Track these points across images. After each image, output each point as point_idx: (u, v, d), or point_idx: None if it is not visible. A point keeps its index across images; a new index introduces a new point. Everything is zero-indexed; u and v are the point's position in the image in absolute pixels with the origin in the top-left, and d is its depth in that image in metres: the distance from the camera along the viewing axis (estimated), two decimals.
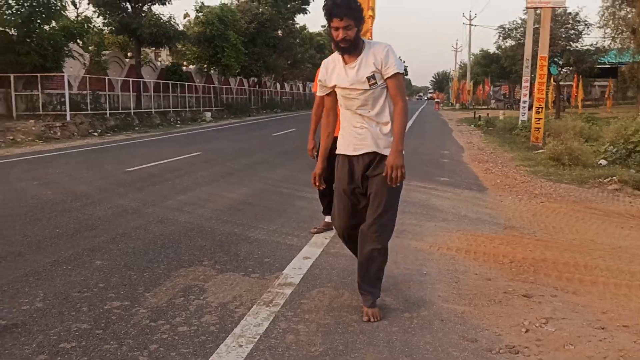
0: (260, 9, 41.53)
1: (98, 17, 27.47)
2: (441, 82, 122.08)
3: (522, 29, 28.75)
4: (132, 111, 25.70)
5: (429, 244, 5.24)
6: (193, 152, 13.75)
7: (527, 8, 18.09)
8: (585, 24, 29.05)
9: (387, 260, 3.54)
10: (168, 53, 38.92)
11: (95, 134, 20.31)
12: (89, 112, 22.21)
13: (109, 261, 4.59)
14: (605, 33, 29.58)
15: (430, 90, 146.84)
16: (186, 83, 32.74)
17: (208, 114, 32.26)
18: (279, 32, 44.49)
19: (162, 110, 29.03)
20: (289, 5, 46.21)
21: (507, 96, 61.23)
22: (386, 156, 3.32)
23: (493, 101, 59.30)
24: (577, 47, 29.91)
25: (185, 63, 36.30)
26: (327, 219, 5.45)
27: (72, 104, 21.04)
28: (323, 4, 3.26)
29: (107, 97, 24.45)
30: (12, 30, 20.00)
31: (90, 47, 26.33)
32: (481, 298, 3.82)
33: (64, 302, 3.65)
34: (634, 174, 9.15)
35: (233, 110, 37.70)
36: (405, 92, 3.44)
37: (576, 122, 15.80)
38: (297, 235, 5.49)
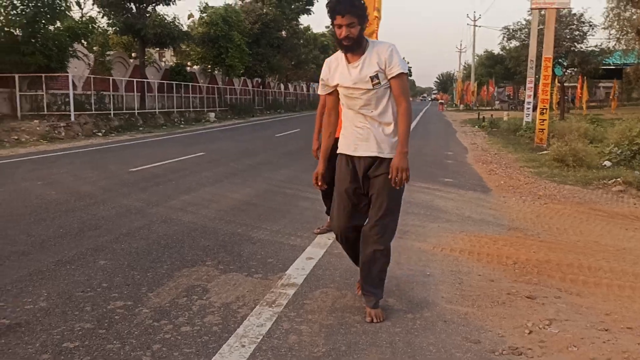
0: (265, 10, 41.58)
1: (102, 17, 27.59)
2: (445, 83, 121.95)
3: (526, 29, 28.67)
4: (136, 111, 25.74)
5: (432, 245, 5.23)
6: (197, 152, 13.77)
7: (531, 9, 18.05)
8: (590, 25, 28.99)
9: (389, 261, 3.53)
10: (172, 53, 39.05)
11: (100, 134, 20.36)
12: (93, 112, 22.26)
13: (113, 261, 4.60)
14: (610, 34, 29.55)
15: (434, 91, 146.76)
16: (190, 83, 32.79)
17: (212, 115, 32.31)
18: (283, 32, 44.52)
19: (166, 110, 29.09)
20: (293, 6, 46.23)
21: (511, 97, 61.08)
22: (387, 158, 3.31)
23: (497, 102, 59.18)
24: (581, 48, 29.83)
25: (189, 63, 36.37)
26: None
27: (76, 104, 21.09)
28: (327, 2, 3.24)
29: (112, 97, 24.49)
30: (17, 31, 20.06)
31: (94, 48, 26.39)
32: (484, 299, 3.81)
33: (68, 302, 3.66)
34: (639, 176, 9.11)
35: (237, 110, 37.74)
36: (409, 92, 3.43)
37: (580, 124, 15.75)
38: (300, 236, 5.49)
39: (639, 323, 3.44)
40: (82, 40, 23.17)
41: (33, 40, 19.78)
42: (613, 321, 3.47)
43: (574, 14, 28.81)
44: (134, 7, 27.84)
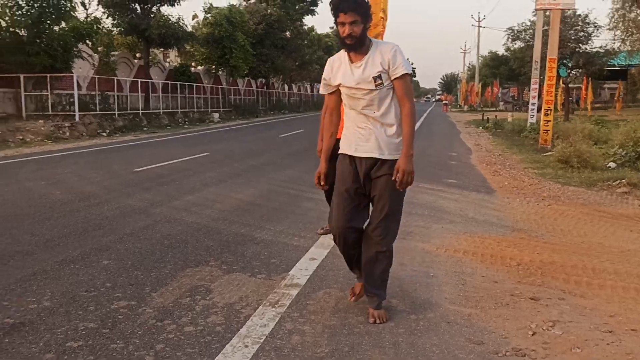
0: (269, 10, 41.62)
1: (107, 18, 27.66)
2: (449, 83, 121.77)
3: (531, 30, 28.60)
4: (140, 112, 25.81)
5: (435, 246, 5.23)
6: (201, 152, 13.79)
7: (536, 10, 18.00)
8: (595, 26, 28.90)
9: (392, 262, 3.53)
10: (176, 54, 39.07)
11: (104, 134, 20.41)
12: (98, 112, 22.33)
13: (116, 261, 4.61)
14: (615, 35, 29.49)
15: (438, 92, 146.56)
16: (194, 84, 32.85)
17: (216, 115, 32.35)
18: (287, 33, 44.56)
19: (170, 110, 29.14)
20: (297, 7, 46.30)
21: (515, 98, 60.96)
22: (389, 160, 3.28)
23: (501, 103, 59.08)
24: (586, 49, 29.73)
25: (193, 64, 36.42)
26: None
27: (81, 105, 21.16)
28: (330, 0, 3.23)
29: (116, 97, 24.57)
30: (22, 31, 20.15)
31: (99, 48, 26.47)
32: (488, 300, 3.81)
33: (71, 301, 3.67)
34: None
35: (241, 111, 37.79)
36: (413, 93, 3.41)
37: (585, 125, 15.71)
38: (303, 237, 5.49)
39: None
40: (87, 41, 23.25)
41: (38, 41, 19.86)
42: (617, 323, 3.46)
43: (579, 15, 28.74)
44: (138, 7, 27.91)
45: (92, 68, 24.35)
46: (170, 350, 2.98)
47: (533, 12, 26.38)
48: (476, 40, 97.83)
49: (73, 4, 21.45)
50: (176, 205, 7.02)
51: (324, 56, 51.96)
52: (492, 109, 49.63)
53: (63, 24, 21.30)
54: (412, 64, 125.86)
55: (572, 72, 33.51)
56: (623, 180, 8.91)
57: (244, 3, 43.73)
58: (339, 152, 3.48)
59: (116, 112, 23.78)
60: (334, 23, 3.27)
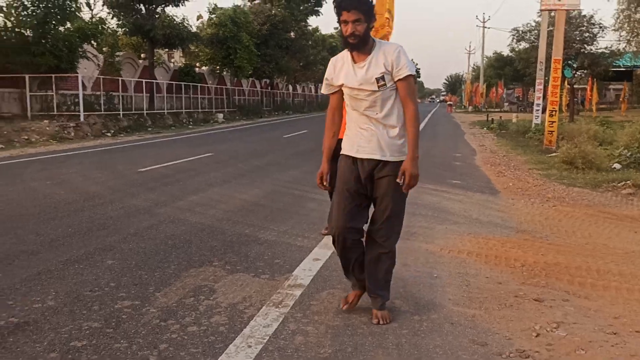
0: (273, 11, 41.66)
1: (112, 18, 27.77)
2: (454, 84, 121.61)
3: (536, 31, 28.53)
4: (145, 112, 25.87)
5: (439, 247, 5.22)
6: (205, 153, 13.81)
7: (541, 10, 18.00)
8: (600, 27, 28.80)
9: (395, 263, 3.52)
10: (181, 54, 39.19)
11: (109, 134, 20.47)
12: (103, 112, 22.39)
13: (120, 261, 4.62)
14: (621, 36, 29.35)
15: (442, 93, 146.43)
16: (199, 84, 32.91)
17: (220, 115, 32.41)
18: (292, 34, 44.57)
19: (174, 111, 29.20)
20: (301, 7, 46.30)
21: (520, 99, 60.84)
22: (391, 161, 3.26)
23: (506, 104, 59.00)
24: (591, 50, 29.65)
25: (198, 64, 36.50)
26: None
27: (86, 105, 21.22)
28: None
29: (121, 97, 24.63)
30: (28, 32, 20.22)
31: (104, 48, 26.55)
32: (492, 302, 3.80)
33: (76, 301, 3.68)
34: None
35: (245, 111, 37.84)
36: (417, 94, 3.40)
37: (590, 126, 15.65)
38: (307, 237, 5.49)
39: None
40: (92, 41, 23.32)
41: (43, 41, 19.94)
42: (622, 324, 3.44)
43: (584, 16, 28.65)
44: (143, 8, 27.99)
45: (97, 68, 24.41)
46: (174, 350, 2.99)
47: (538, 12, 26.37)
48: (481, 41, 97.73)
49: (78, 5, 21.53)
50: (180, 206, 7.03)
51: (328, 57, 51.88)
52: (496, 110, 49.53)
53: (68, 25, 21.38)
54: (417, 64, 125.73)
55: (577, 73, 33.41)
56: (628, 182, 8.88)
57: (249, 4, 43.79)
58: (341, 152, 3.45)
59: (121, 113, 23.84)
60: (337, 22, 3.24)
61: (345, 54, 3.36)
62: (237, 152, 14.50)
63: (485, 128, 26.10)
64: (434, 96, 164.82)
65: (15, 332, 3.18)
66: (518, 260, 4.82)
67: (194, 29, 31.83)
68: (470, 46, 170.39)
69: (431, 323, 3.41)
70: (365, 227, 3.47)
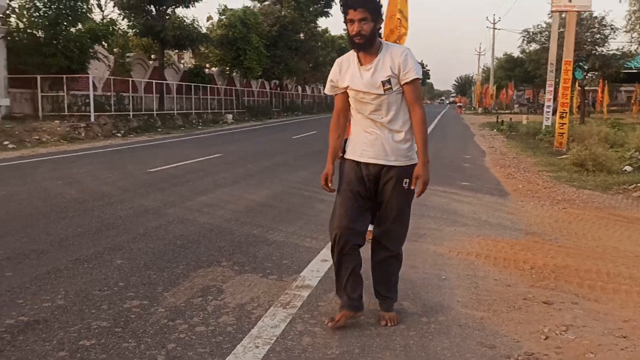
0: (283, 12, 41.76)
1: (123, 19, 27.95)
2: (464, 86, 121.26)
3: (546, 32, 28.37)
4: (154, 112, 26.00)
5: (448, 249, 5.20)
6: (214, 153, 13.85)
7: (552, 12, 17.90)
8: (612, 28, 28.59)
9: (401, 265, 3.52)
10: (191, 55, 39.32)
11: (119, 134, 20.59)
12: (113, 113, 22.53)
13: (129, 260, 4.64)
14: (632, 37, 29.16)
15: (452, 94, 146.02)
16: (208, 85, 33.03)
17: (229, 116, 32.50)
18: (301, 35, 44.65)
19: (184, 112, 29.33)
20: (311, 9, 46.40)
21: (530, 101, 60.57)
22: (396, 166, 3.23)
23: (516, 105, 58.69)
24: (602, 51, 29.44)
25: (207, 65, 36.63)
26: None
27: (96, 105, 21.37)
28: None
29: (131, 98, 24.77)
30: (40, 33, 20.42)
31: (114, 49, 26.73)
32: (500, 304, 3.78)
33: (85, 300, 3.70)
34: None
35: (254, 112, 37.93)
36: (422, 98, 3.37)
37: (601, 128, 15.57)
38: (315, 238, 5.49)
39: None
40: (103, 42, 23.51)
41: (55, 42, 20.11)
42: (632, 328, 3.41)
43: (595, 17, 28.47)
44: (153, 9, 28.14)
45: (108, 69, 24.58)
46: (182, 349, 3.00)
47: (549, 14, 26.20)
48: (491, 42, 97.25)
49: (89, 6, 21.71)
50: (189, 206, 7.05)
51: (337, 58, 52.01)
52: (506, 112, 49.31)
53: (79, 26, 21.58)
54: (426, 65, 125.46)
55: (588, 74, 33.20)
56: (639, 184, 8.81)
57: (258, 5, 43.92)
58: (344, 156, 3.38)
59: (131, 113, 23.97)
60: (344, 22, 3.18)
61: (351, 55, 3.30)
62: (246, 152, 14.53)
63: (495, 130, 26.00)
64: (443, 97, 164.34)
65: (25, 331, 3.20)
66: (527, 262, 4.79)
67: (204, 30, 31.95)
68: (480, 47, 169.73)
69: (439, 325, 3.40)
70: (367, 230, 3.43)
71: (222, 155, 13.63)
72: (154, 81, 27.24)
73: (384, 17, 3.34)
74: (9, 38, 19.84)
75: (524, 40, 32.50)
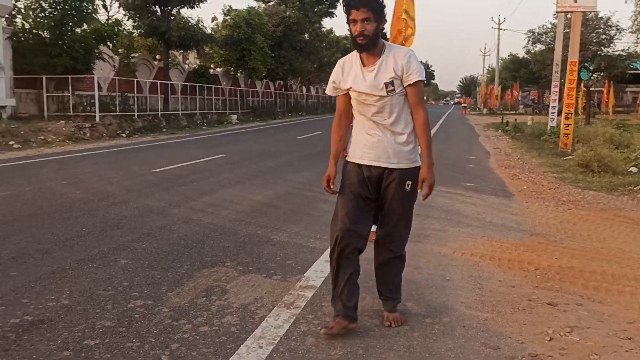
0: (287, 13, 41.80)
1: (128, 20, 28.07)
2: (468, 86, 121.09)
3: (552, 33, 28.31)
4: (159, 113, 26.06)
5: (452, 250, 5.19)
6: (219, 154, 13.87)
7: (557, 12, 17.81)
8: (617, 29, 28.51)
9: (404, 265, 3.52)
10: (196, 56, 39.43)
11: (124, 135, 20.64)
12: (118, 113, 22.59)
13: (134, 260, 4.65)
14: (638, 38, 29.05)
15: (457, 95, 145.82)
16: (213, 86, 33.08)
17: (234, 117, 32.56)
18: (306, 35, 44.68)
19: (188, 112, 29.38)
20: (315, 9, 46.42)
21: (535, 101, 60.42)
22: (398, 169, 3.21)
23: (521, 106, 58.58)
24: (608, 52, 29.36)
25: (212, 66, 36.70)
26: None
27: (101, 106, 21.43)
28: None
29: (136, 99, 24.83)
30: (45, 33, 20.50)
31: (120, 50, 26.81)
32: (505, 305, 3.77)
33: (89, 300, 3.72)
34: None
35: (259, 113, 37.96)
36: (425, 99, 3.35)
37: (606, 129, 15.51)
38: (319, 238, 5.49)
39: None
40: (108, 43, 23.59)
41: (60, 43, 20.19)
42: (636, 330, 3.40)
43: (601, 18, 28.37)
44: (158, 10, 28.23)
45: (113, 69, 24.65)
46: (186, 349, 3.00)
47: (554, 14, 26.12)
48: (496, 43, 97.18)
49: (95, 7, 21.78)
50: (193, 206, 7.06)
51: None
52: (511, 112, 49.18)
53: (85, 26, 21.65)
54: (431, 66, 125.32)
55: (594, 75, 33.11)
56: None
57: (263, 5, 43.98)
58: (346, 158, 3.36)
59: (136, 113, 24.03)
60: (346, 22, 3.15)
61: (353, 56, 3.27)
62: (251, 153, 14.54)
63: (500, 130, 25.93)
64: (448, 98, 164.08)
65: (30, 330, 3.22)
66: (532, 263, 4.78)
67: (209, 31, 32.04)
68: (485, 48, 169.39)
69: (443, 326, 3.39)
70: (369, 233, 3.39)
71: (227, 155, 13.65)
72: (158, 81, 27.30)
73: (389, 17, 3.32)
74: (14, 38, 19.95)
75: (529, 40, 32.43)
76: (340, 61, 3.36)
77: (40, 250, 4.89)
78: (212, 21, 38.58)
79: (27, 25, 20.55)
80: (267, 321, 3.38)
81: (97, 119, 20.63)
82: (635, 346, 3.16)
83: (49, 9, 20.13)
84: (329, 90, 3.43)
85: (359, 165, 3.27)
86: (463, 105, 67.15)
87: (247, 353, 2.96)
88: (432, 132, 3.35)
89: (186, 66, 35.08)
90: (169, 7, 28.25)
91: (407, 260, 3.59)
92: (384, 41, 3.24)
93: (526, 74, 50.32)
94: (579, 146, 12.75)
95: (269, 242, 5.34)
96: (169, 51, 29.40)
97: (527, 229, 6.21)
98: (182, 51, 35.32)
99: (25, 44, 20.02)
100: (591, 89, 35.11)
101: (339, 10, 48.99)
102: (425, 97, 3.46)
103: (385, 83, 3.13)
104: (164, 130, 23.73)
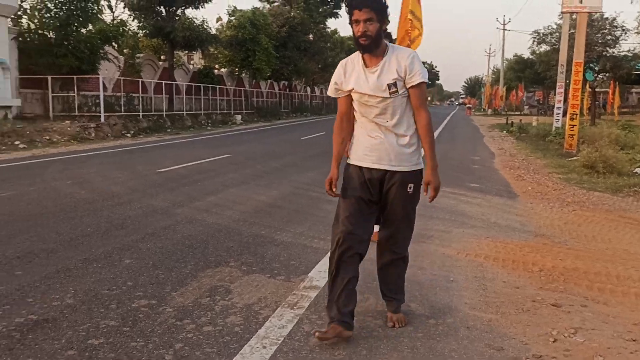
0: (292, 13, 41.84)
1: (133, 20, 28.15)
2: (473, 87, 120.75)
3: (557, 34, 28.24)
4: (164, 113, 26.11)
5: (456, 250, 5.18)
6: (223, 154, 13.88)
7: (562, 13, 17.76)
8: (623, 30, 28.44)
9: (407, 266, 3.51)
10: (200, 56, 39.49)
11: (128, 135, 20.69)
12: (123, 113, 22.66)
13: (138, 260, 4.66)
14: None
15: (462, 96, 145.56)
16: (217, 86, 33.13)
17: (238, 117, 32.60)
18: (310, 36, 44.73)
19: (193, 112, 29.44)
20: (320, 10, 46.43)
21: (540, 102, 60.28)
22: (400, 171, 3.19)
23: (526, 107, 58.43)
24: (613, 52, 29.29)
25: (217, 66, 36.77)
26: None
27: (106, 106, 21.50)
28: None
29: (141, 99, 24.91)
30: (51, 34, 20.59)
31: (125, 50, 26.89)
32: (509, 306, 3.76)
33: (93, 299, 3.73)
34: None
35: (263, 113, 38.01)
36: (427, 101, 3.33)
37: (612, 130, 15.46)
38: (323, 239, 5.49)
39: None
40: (113, 43, 23.65)
41: (66, 43, 20.28)
42: None
43: (606, 18, 28.32)
44: (163, 10, 28.30)
45: (118, 70, 24.74)
46: (189, 349, 3.01)
47: (559, 15, 26.06)
48: (501, 43, 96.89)
49: (100, 7, 21.85)
50: (198, 206, 7.08)
51: None
52: (516, 113, 49.09)
53: (90, 27, 21.72)
54: (436, 67, 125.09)
55: (599, 76, 33.02)
56: None
57: (268, 6, 44.02)
58: (348, 161, 3.34)
59: (140, 114, 24.10)
60: (349, 23, 3.13)
61: (356, 57, 3.24)
62: (255, 153, 14.55)
63: (504, 131, 25.87)
64: (452, 99, 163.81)
65: (34, 329, 3.23)
66: (536, 264, 4.77)
67: (214, 31, 32.08)
68: (490, 48, 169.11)
69: (447, 327, 3.39)
70: (370, 238, 3.35)
71: (231, 155, 13.67)
72: (163, 82, 27.38)
73: (396, 19, 3.30)
74: (20, 39, 20.04)
75: (534, 41, 32.39)
76: (342, 62, 3.33)
77: (45, 250, 4.91)
78: (217, 22, 38.71)
79: (32, 26, 20.64)
80: (270, 321, 3.38)
81: (102, 119, 20.70)
82: (639, 348, 3.15)
83: (55, 10, 20.23)
84: (330, 92, 3.39)
85: (359, 167, 3.25)
86: (468, 106, 67.09)
87: (250, 353, 2.97)
88: (437, 132, 3.32)
89: (191, 66, 35.14)
90: (174, 8, 28.32)
91: (411, 261, 3.59)
92: (387, 42, 3.21)
93: (531, 74, 50.19)
94: (584, 147, 12.71)
95: (273, 243, 5.34)
96: (173, 51, 29.46)
97: (531, 230, 6.20)
98: (186, 52, 35.40)
99: (31, 45, 20.11)
100: (596, 89, 35.01)
101: (344, 10, 48.63)
102: (430, 98, 3.46)
103: (388, 84, 3.11)
104: (169, 130, 23.77)
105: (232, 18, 34.98)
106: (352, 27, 3.12)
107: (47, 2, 20.28)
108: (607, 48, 28.87)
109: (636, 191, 8.75)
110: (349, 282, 3.16)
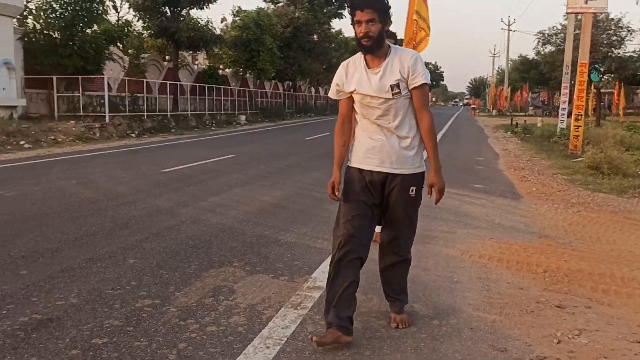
0: (297, 14, 41.87)
1: (138, 21, 28.24)
2: (478, 88, 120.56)
3: (562, 34, 28.19)
4: (168, 113, 26.16)
5: (460, 251, 5.17)
6: (227, 154, 13.90)
7: (567, 13, 17.74)
8: (628, 30, 28.36)
9: (410, 267, 3.50)
10: (205, 57, 39.57)
11: (133, 135, 20.74)
12: (127, 113, 22.71)
13: (142, 260, 4.67)
14: None
15: (466, 96, 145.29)
16: (222, 86, 33.17)
17: (243, 117, 32.65)
18: (315, 36, 44.73)
19: (197, 112, 29.49)
20: (324, 10, 46.44)
21: (545, 103, 60.10)
22: (401, 174, 3.17)
23: (531, 108, 58.26)
24: (619, 53, 29.22)
25: (221, 67, 36.81)
26: None
27: (111, 106, 21.56)
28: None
29: (145, 99, 24.96)
30: (56, 34, 20.66)
31: (129, 50, 26.94)
32: (513, 307, 3.75)
33: (97, 299, 3.74)
34: None
35: (267, 113, 38.04)
36: (429, 103, 3.32)
37: (617, 131, 15.41)
38: (327, 239, 5.48)
39: None
40: (118, 43, 23.72)
41: (71, 43, 20.35)
42: None
43: (612, 19, 28.24)
44: (168, 10, 28.37)
45: (123, 70, 24.78)
46: (193, 349, 3.01)
47: (564, 15, 26.00)
48: (506, 44, 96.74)
49: (105, 7, 21.92)
50: (202, 206, 7.09)
51: None
52: (521, 114, 48.95)
53: (95, 27, 21.79)
54: (440, 67, 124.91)
55: (604, 76, 32.92)
56: None
57: (272, 6, 44.06)
58: (348, 164, 3.31)
59: (145, 114, 24.15)
60: (351, 24, 3.10)
61: (357, 58, 3.22)
62: (259, 153, 14.57)
63: (509, 132, 25.81)
64: (457, 99, 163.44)
65: (39, 329, 3.24)
66: (540, 266, 4.75)
67: (218, 32, 32.13)
68: (494, 49, 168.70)
69: (450, 328, 3.38)
70: (370, 242, 3.32)
71: (235, 156, 13.68)
72: (168, 82, 27.42)
73: (403, 21, 3.29)
74: (25, 39, 20.12)
75: (539, 42, 32.36)
76: (343, 63, 3.30)
77: (50, 250, 4.93)
78: (222, 22, 38.85)
79: (38, 26, 20.72)
80: (274, 321, 3.38)
81: (107, 119, 20.76)
82: None
83: (60, 10, 20.30)
84: (332, 94, 3.36)
85: (360, 170, 3.22)
86: (472, 106, 66.98)
87: (254, 353, 2.97)
88: (441, 133, 3.31)
89: (195, 67, 35.21)
90: (179, 8, 28.39)
91: (415, 262, 3.58)
92: (389, 43, 3.19)
93: (536, 75, 50.08)
94: (588, 148, 12.68)
95: (276, 243, 5.34)
96: (178, 52, 29.53)
97: (535, 231, 6.18)
98: (191, 52, 35.51)
99: (36, 45, 20.19)
100: (601, 90, 34.90)
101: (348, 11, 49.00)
102: (434, 99, 3.45)
103: (391, 85, 3.09)
104: (173, 130, 23.82)
105: (237, 18, 35.05)
106: (354, 27, 3.10)
107: (52, 3, 20.36)
108: (613, 49, 28.80)
109: None
110: (349, 286, 3.11)
